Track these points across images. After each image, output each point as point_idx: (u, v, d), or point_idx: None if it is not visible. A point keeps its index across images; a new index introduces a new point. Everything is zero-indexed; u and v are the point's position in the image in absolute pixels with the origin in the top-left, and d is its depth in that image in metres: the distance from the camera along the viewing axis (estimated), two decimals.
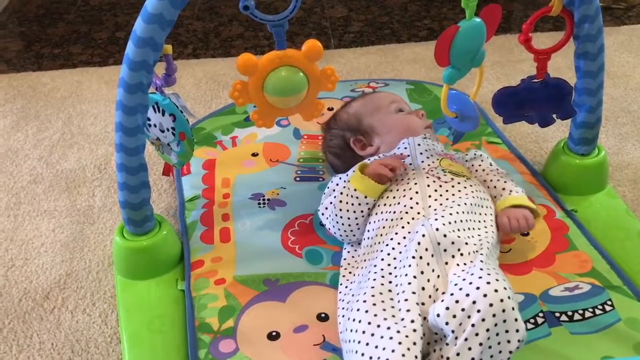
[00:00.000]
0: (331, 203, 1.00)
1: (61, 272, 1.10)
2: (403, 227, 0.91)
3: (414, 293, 0.81)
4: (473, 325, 0.74)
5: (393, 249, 0.90)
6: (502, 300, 0.74)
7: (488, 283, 0.75)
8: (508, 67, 1.66)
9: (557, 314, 0.89)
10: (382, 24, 2.00)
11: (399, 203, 0.95)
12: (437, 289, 0.83)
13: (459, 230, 0.88)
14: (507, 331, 0.74)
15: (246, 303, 0.93)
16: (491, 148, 1.26)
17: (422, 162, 1.01)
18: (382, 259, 0.89)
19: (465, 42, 0.90)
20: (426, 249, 0.85)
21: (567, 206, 1.10)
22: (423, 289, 0.82)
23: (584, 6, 0.97)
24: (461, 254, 0.85)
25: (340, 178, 1.04)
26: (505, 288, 0.75)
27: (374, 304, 0.81)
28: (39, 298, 1.06)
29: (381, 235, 0.93)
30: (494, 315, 0.73)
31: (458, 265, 0.84)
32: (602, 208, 1.12)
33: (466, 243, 0.86)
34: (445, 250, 0.85)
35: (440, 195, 0.94)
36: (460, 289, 0.76)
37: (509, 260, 0.98)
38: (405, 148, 1.05)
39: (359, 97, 1.24)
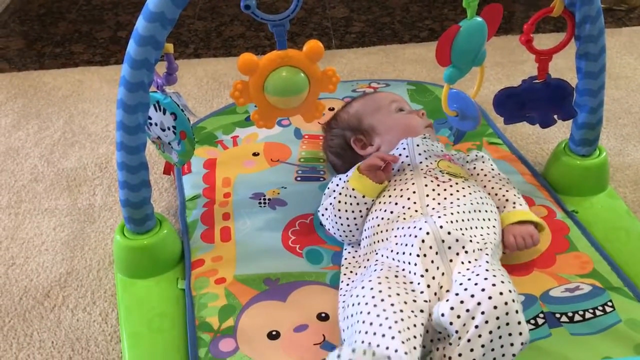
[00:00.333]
0: (331, 204, 1.01)
1: (62, 271, 1.11)
2: (400, 225, 0.91)
3: (428, 287, 0.82)
4: (477, 326, 0.74)
5: (393, 248, 0.90)
6: (506, 303, 0.74)
7: (493, 285, 0.75)
8: (509, 68, 1.66)
9: (558, 315, 0.89)
10: (384, 25, 2.00)
11: (396, 203, 0.95)
12: (441, 287, 0.83)
13: (462, 228, 0.88)
14: (510, 334, 0.75)
15: (246, 302, 0.93)
16: (492, 149, 1.26)
17: (421, 162, 1.01)
18: (384, 255, 0.89)
19: (467, 41, 0.90)
20: (430, 247, 0.85)
21: (568, 207, 1.10)
22: (428, 286, 0.83)
23: (585, 7, 0.97)
24: (466, 252, 0.85)
25: (340, 179, 1.04)
26: (510, 291, 0.75)
27: (380, 283, 0.81)
28: (39, 296, 1.06)
29: (380, 233, 0.93)
30: (497, 318, 0.74)
31: (463, 263, 0.84)
32: (603, 209, 1.12)
33: (470, 241, 0.86)
34: (449, 248, 0.85)
35: (438, 194, 0.94)
36: (466, 289, 0.76)
37: (509, 260, 0.98)
38: (404, 149, 1.05)
39: (359, 97, 1.24)
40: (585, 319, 0.88)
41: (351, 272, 0.96)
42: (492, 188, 1.02)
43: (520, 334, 0.75)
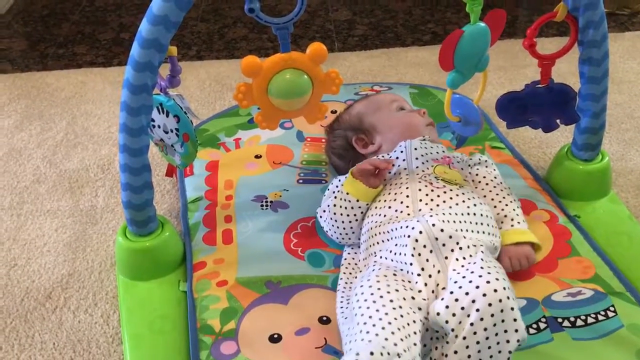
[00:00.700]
0: (328, 206, 1.01)
1: (63, 272, 1.11)
2: (393, 228, 0.91)
3: (425, 285, 0.83)
4: (472, 324, 0.74)
5: (390, 249, 0.90)
6: (500, 300, 0.74)
7: (488, 282, 0.75)
8: (512, 72, 1.66)
9: (560, 320, 0.89)
10: (386, 28, 2.00)
11: (390, 207, 0.95)
12: (438, 284, 0.83)
13: (455, 223, 0.88)
14: (505, 331, 0.75)
15: (248, 305, 0.93)
16: (494, 153, 1.26)
17: (417, 167, 1.01)
18: (382, 257, 0.90)
19: (470, 46, 0.90)
20: (424, 246, 0.85)
21: (570, 212, 1.10)
22: (426, 284, 0.83)
23: (588, 12, 0.97)
24: (460, 248, 0.85)
25: (339, 180, 1.04)
26: (504, 288, 0.75)
27: (379, 281, 0.82)
28: (41, 298, 1.06)
29: (376, 236, 0.94)
30: (492, 315, 0.74)
31: (457, 260, 0.84)
32: (605, 214, 1.12)
33: (464, 237, 0.86)
34: (444, 245, 0.85)
35: (431, 199, 0.94)
36: (460, 287, 0.77)
37: None
38: (402, 152, 1.05)
39: (361, 99, 1.24)
40: (587, 323, 0.88)
41: (350, 273, 0.96)
42: (492, 199, 1.02)
43: (516, 330, 0.75)
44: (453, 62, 0.91)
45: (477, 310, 0.74)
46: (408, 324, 0.76)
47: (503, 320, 0.74)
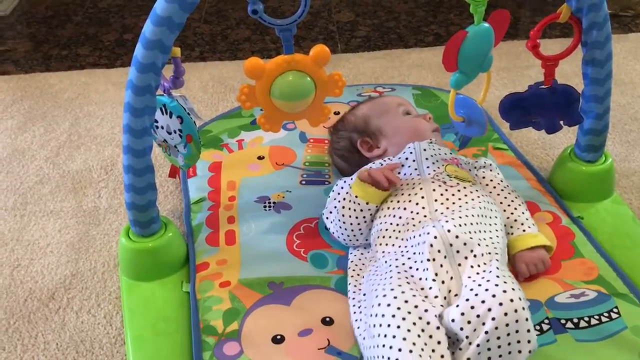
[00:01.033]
0: (335, 207, 1.01)
1: (66, 273, 1.11)
2: (409, 231, 0.91)
3: (439, 290, 0.82)
4: (486, 332, 0.74)
5: (404, 253, 0.89)
6: (516, 311, 0.74)
7: (504, 292, 0.75)
8: (515, 73, 1.66)
9: (563, 321, 0.88)
10: (389, 29, 2.00)
11: (405, 208, 0.95)
12: (450, 291, 0.83)
13: (470, 232, 0.88)
14: (518, 341, 0.75)
15: (251, 306, 0.93)
16: (497, 154, 1.26)
17: (428, 167, 1.01)
18: (396, 259, 0.89)
19: (474, 47, 0.90)
20: (439, 251, 0.85)
21: (573, 213, 1.10)
22: (439, 290, 0.83)
23: (592, 13, 0.97)
24: (474, 256, 0.85)
25: (345, 182, 1.04)
26: (520, 298, 0.75)
27: (396, 297, 0.80)
28: (44, 298, 1.06)
29: (389, 238, 0.93)
30: (507, 325, 0.74)
31: (472, 267, 0.84)
32: (609, 215, 1.12)
33: (479, 244, 0.86)
34: (457, 252, 0.85)
35: (447, 199, 0.94)
36: (476, 294, 0.76)
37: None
38: (411, 153, 1.05)
39: (366, 100, 1.24)
40: (591, 325, 0.88)
41: (358, 274, 0.96)
42: (501, 203, 1.02)
43: (529, 341, 0.75)
44: (457, 63, 0.91)
45: (493, 319, 0.74)
46: (431, 337, 0.76)
47: (517, 331, 0.74)
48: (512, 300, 0.74)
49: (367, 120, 1.14)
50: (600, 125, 1.09)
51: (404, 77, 1.67)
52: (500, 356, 0.75)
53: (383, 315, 0.78)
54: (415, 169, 1.01)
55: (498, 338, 0.74)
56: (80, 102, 1.63)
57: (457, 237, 0.85)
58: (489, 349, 0.75)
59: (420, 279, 0.85)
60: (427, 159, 1.03)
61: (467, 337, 0.75)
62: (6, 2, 2.20)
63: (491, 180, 1.05)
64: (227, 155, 1.29)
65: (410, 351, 0.74)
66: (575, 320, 0.88)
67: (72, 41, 2.00)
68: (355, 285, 0.94)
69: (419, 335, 0.76)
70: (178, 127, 0.98)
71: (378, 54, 1.83)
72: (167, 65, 0.88)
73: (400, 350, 0.75)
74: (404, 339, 0.75)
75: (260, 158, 1.27)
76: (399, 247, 0.91)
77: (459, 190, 0.95)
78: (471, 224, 0.89)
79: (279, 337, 0.88)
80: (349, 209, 0.98)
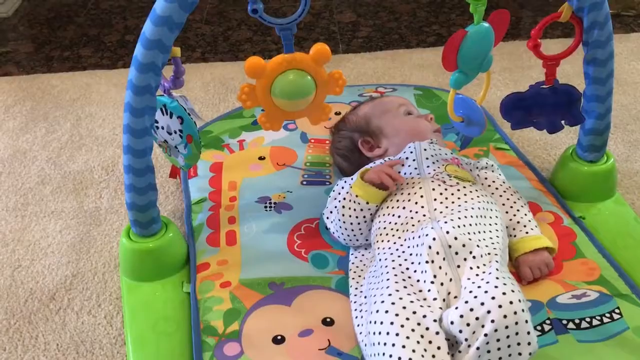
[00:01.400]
0: (335, 207, 1.01)
1: (67, 273, 1.11)
2: (408, 230, 0.91)
3: (438, 292, 0.82)
4: (486, 334, 0.74)
5: (400, 254, 0.89)
6: (516, 313, 0.74)
7: (504, 294, 0.75)
8: (517, 73, 1.66)
9: (565, 322, 0.88)
10: (391, 29, 2.00)
11: (404, 208, 0.94)
12: (449, 293, 0.82)
13: (469, 233, 0.87)
14: (518, 343, 0.74)
15: (251, 306, 0.93)
16: (499, 154, 1.26)
17: (428, 167, 1.01)
18: (394, 261, 0.89)
19: (473, 46, 0.90)
20: (437, 253, 0.85)
21: (575, 213, 1.10)
22: (438, 292, 0.82)
23: (593, 12, 0.97)
24: (473, 257, 0.84)
25: (345, 182, 1.04)
26: (520, 300, 0.75)
27: (394, 303, 0.80)
28: (44, 299, 1.06)
29: (388, 236, 0.93)
30: (506, 327, 0.73)
31: (471, 268, 0.83)
32: (611, 215, 1.11)
33: (478, 246, 0.86)
34: (456, 254, 0.85)
35: (446, 198, 0.93)
36: (475, 297, 0.76)
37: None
38: (412, 152, 1.05)
39: (368, 100, 1.24)
40: (592, 325, 0.87)
41: (359, 276, 0.96)
42: (503, 204, 1.01)
43: (529, 343, 0.75)
44: (456, 63, 0.91)
45: (492, 321, 0.73)
46: (430, 342, 0.76)
47: (517, 333, 0.74)
48: (511, 303, 0.74)
49: (368, 120, 1.14)
50: (602, 125, 1.09)
51: (405, 78, 1.67)
52: (500, 358, 0.74)
53: (382, 323, 0.78)
54: (415, 169, 1.01)
55: (498, 340, 0.74)
56: (82, 103, 1.63)
57: (455, 238, 0.85)
58: (488, 352, 0.74)
59: (419, 280, 0.84)
60: (427, 158, 1.03)
61: (466, 339, 0.75)
62: (8, 4, 2.21)
63: (493, 182, 1.05)
64: (228, 155, 1.29)
65: (410, 359, 0.74)
66: (577, 321, 0.88)
67: (74, 42, 2.00)
68: (356, 288, 0.93)
69: (418, 342, 0.75)
70: (178, 127, 0.98)
71: (379, 54, 1.83)
72: (167, 65, 0.87)
73: (400, 358, 0.74)
74: (403, 346, 0.75)
75: (261, 158, 1.27)
76: (398, 245, 0.91)
77: (458, 190, 0.95)
78: (470, 224, 0.89)
79: (279, 337, 0.88)
80: (349, 208, 0.98)
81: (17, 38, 2.05)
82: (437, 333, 0.76)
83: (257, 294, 0.95)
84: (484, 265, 0.83)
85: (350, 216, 0.98)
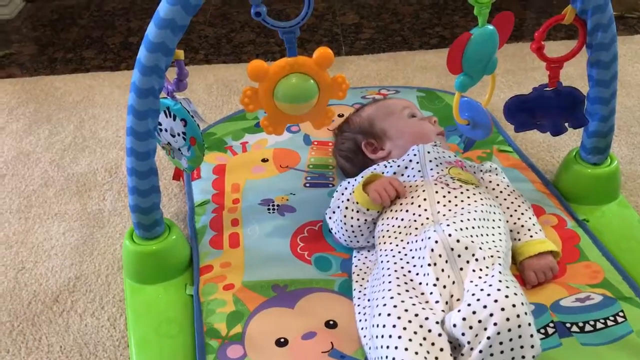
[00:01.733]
0: (338, 207, 1.01)
1: (70, 276, 1.11)
2: (411, 234, 0.91)
3: (440, 295, 0.82)
4: (488, 337, 0.73)
5: (402, 257, 0.89)
6: (518, 316, 0.73)
7: (506, 297, 0.75)
8: (520, 76, 1.65)
9: (568, 325, 0.88)
10: (394, 31, 2.00)
11: (407, 210, 0.94)
12: (452, 295, 0.82)
13: (472, 236, 0.87)
14: (522, 346, 0.74)
15: (254, 309, 0.93)
16: (502, 156, 1.25)
17: (431, 169, 1.01)
18: (396, 264, 0.89)
19: (478, 49, 0.90)
20: (440, 255, 0.84)
21: (578, 216, 1.09)
22: (440, 295, 0.82)
23: (597, 14, 0.97)
24: (476, 260, 0.84)
25: (349, 182, 1.04)
26: (522, 303, 0.75)
27: (395, 306, 0.80)
28: (48, 301, 1.06)
29: (391, 239, 0.93)
30: (509, 330, 0.73)
31: (474, 271, 0.83)
32: (614, 218, 1.11)
33: (480, 248, 0.85)
34: (459, 256, 0.84)
35: (449, 201, 0.93)
36: (478, 299, 0.76)
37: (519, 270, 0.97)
38: (415, 155, 1.05)
39: (372, 102, 1.24)
40: (596, 329, 0.87)
41: (362, 278, 0.96)
42: (508, 208, 1.01)
43: (532, 346, 0.74)
44: (461, 66, 0.90)
45: (495, 324, 0.73)
46: (433, 344, 0.75)
47: (520, 336, 0.74)
48: (514, 305, 0.74)
49: (372, 122, 1.15)
50: (605, 128, 1.09)
51: (408, 80, 1.67)
52: None
53: (384, 326, 0.78)
54: (419, 171, 1.01)
55: (500, 343, 0.73)
56: (85, 105, 1.63)
57: (458, 241, 0.85)
58: (491, 355, 0.74)
59: (421, 283, 0.84)
60: (430, 161, 1.02)
61: (468, 342, 0.75)
62: (11, 6, 2.21)
63: (497, 185, 1.05)
64: (231, 157, 1.29)
65: (415, 352, 0.74)
66: (581, 324, 0.88)
67: (77, 44, 2.01)
68: (360, 291, 0.93)
69: (420, 344, 0.75)
70: (182, 129, 0.98)
71: (382, 56, 1.83)
72: (170, 67, 0.88)
73: (397, 350, 0.74)
74: (406, 349, 0.75)
75: (264, 161, 1.27)
76: (401, 248, 0.91)
77: (461, 193, 0.95)
78: (473, 227, 0.89)
79: (282, 340, 0.88)
80: (351, 210, 0.98)
81: (21, 40, 2.06)
82: (440, 335, 0.76)
83: (260, 297, 0.95)
84: (487, 268, 0.83)
85: (352, 218, 0.98)
